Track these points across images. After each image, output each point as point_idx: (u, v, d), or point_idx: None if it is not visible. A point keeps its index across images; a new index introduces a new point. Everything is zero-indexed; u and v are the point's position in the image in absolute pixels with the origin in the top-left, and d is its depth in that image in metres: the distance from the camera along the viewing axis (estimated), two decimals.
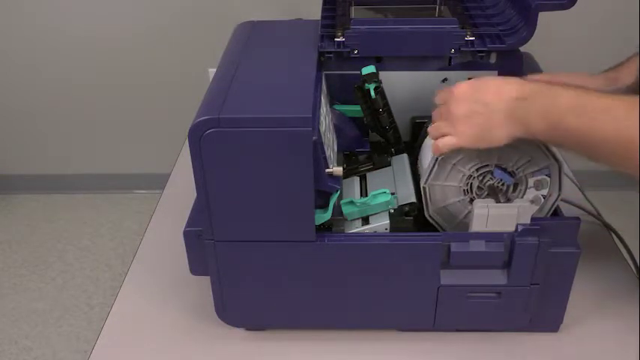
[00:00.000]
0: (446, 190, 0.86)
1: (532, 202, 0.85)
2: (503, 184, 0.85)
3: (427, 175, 0.84)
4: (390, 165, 0.99)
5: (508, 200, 0.86)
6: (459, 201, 0.86)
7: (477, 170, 0.84)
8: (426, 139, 0.92)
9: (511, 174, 0.84)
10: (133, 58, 2.26)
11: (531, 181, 0.84)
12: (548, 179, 0.84)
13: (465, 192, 0.86)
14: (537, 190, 0.85)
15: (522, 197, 0.86)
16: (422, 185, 0.85)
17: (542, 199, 0.86)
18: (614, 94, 0.69)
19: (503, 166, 0.83)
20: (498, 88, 0.74)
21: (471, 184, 0.85)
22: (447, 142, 0.78)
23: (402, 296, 0.87)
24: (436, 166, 0.83)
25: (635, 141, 0.65)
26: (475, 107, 0.75)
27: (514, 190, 0.85)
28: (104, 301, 2.03)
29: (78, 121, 2.41)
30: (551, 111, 0.71)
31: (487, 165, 0.83)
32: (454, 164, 0.84)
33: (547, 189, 0.85)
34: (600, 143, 0.68)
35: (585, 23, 1.98)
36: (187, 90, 1.97)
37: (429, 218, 0.88)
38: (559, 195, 0.85)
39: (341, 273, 0.85)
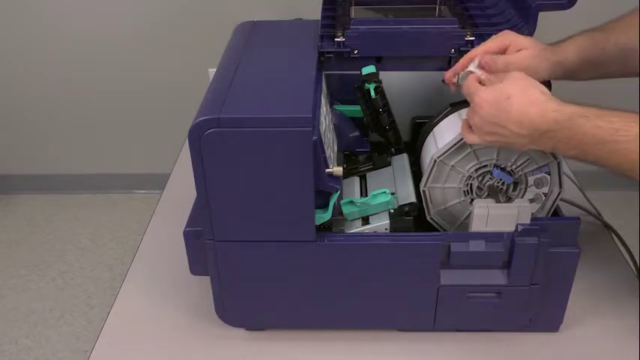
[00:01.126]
0: (446, 192, 0.86)
1: (533, 200, 0.85)
2: (503, 184, 0.85)
3: (426, 178, 0.84)
4: (390, 165, 0.99)
5: (509, 199, 0.86)
6: (459, 202, 0.86)
7: (476, 171, 0.84)
8: (427, 138, 0.92)
9: (510, 173, 0.83)
10: (133, 58, 2.26)
11: (531, 180, 0.84)
12: (548, 177, 0.84)
13: (465, 193, 0.86)
14: (538, 188, 0.85)
15: (522, 197, 0.86)
16: (421, 189, 0.85)
17: (543, 197, 0.86)
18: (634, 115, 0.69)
19: (502, 165, 0.83)
20: (520, 117, 0.72)
21: (471, 184, 0.85)
22: (471, 140, 0.79)
23: (402, 296, 0.87)
24: (434, 168, 0.83)
25: None
26: (497, 129, 0.75)
27: (514, 189, 0.85)
28: (104, 301, 2.03)
29: (78, 121, 2.41)
30: (577, 142, 0.71)
31: (486, 165, 0.83)
32: (453, 166, 0.84)
33: (547, 186, 0.85)
34: (629, 169, 0.69)
35: (585, 23, 1.98)
36: (187, 90, 1.97)
37: (430, 221, 0.88)
38: (560, 192, 0.85)
39: (341, 273, 0.85)
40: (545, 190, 0.85)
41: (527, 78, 0.76)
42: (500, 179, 0.84)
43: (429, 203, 0.87)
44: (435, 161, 0.83)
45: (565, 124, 0.71)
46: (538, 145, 0.75)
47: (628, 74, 0.87)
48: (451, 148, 0.82)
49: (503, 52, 0.84)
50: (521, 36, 0.85)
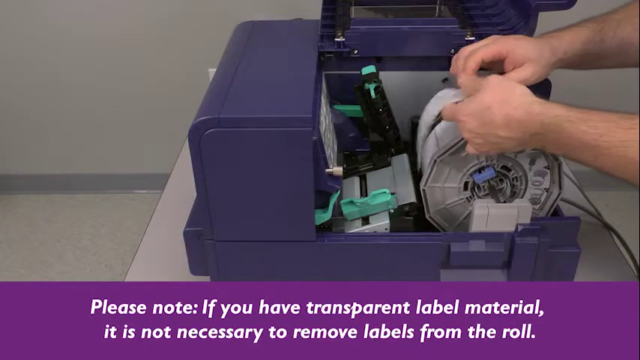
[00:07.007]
0: (445, 192, 0.86)
1: (534, 199, 0.85)
2: (501, 181, 0.85)
3: (426, 177, 0.84)
4: (390, 165, 0.99)
5: (513, 187, 0.85)
6: (458, 201, 0.86)
7: (464, 188, 0.85)
8: (428, 138, 0.92)
9: (493, 165, 0.83)
10: (133, 58, 2.26)
11: (531, 175, 0.84)
12: (548, 171, 0.84)
13: (465, 193, 0.86)
14: (536, 186, 0.85)
15: (523, 196, 0.86)
16: (421, 188, 0.85)
17: (545, 192, 0.86)
18: (622, 120, 0.70)
19: (482, 166, 0.83)
20: (507, 121, 0.73)
21: (474, 188, 0.85)
22: (470, 152, 0.79)
23: None
24: (434, 168, 0.83)
25: None
26: (488, 138, 0.75)
27: (509, 171, 0.85)
28: None
29: (78, 121, 2.41)
30: (564, 144, 0.72)
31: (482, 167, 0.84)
32: (451, 169, 0.84)
33: (548, 179, 0.85)
34: (613, 171, 0.71)
35: None
36: (187, 90, 1.96)
37: (429, 219, 0.88)
38: (560, 193, 0.85)
39: (341, 273, 0.85)
40: (546, 184, 0.85)
41: (503, 82, 0.76)
42: (487, 180, 0.84)
43: (429, 202, 0.87)
44: (435, 161, 0.83)
45: (550, 128, 0.72)
46: (528, 145, 0.76)
47: (627, 65, 0.88)
48: (450, 149, 0.82)
49: (500, 59, 0.83)
50: (518, 43, 0.83)
